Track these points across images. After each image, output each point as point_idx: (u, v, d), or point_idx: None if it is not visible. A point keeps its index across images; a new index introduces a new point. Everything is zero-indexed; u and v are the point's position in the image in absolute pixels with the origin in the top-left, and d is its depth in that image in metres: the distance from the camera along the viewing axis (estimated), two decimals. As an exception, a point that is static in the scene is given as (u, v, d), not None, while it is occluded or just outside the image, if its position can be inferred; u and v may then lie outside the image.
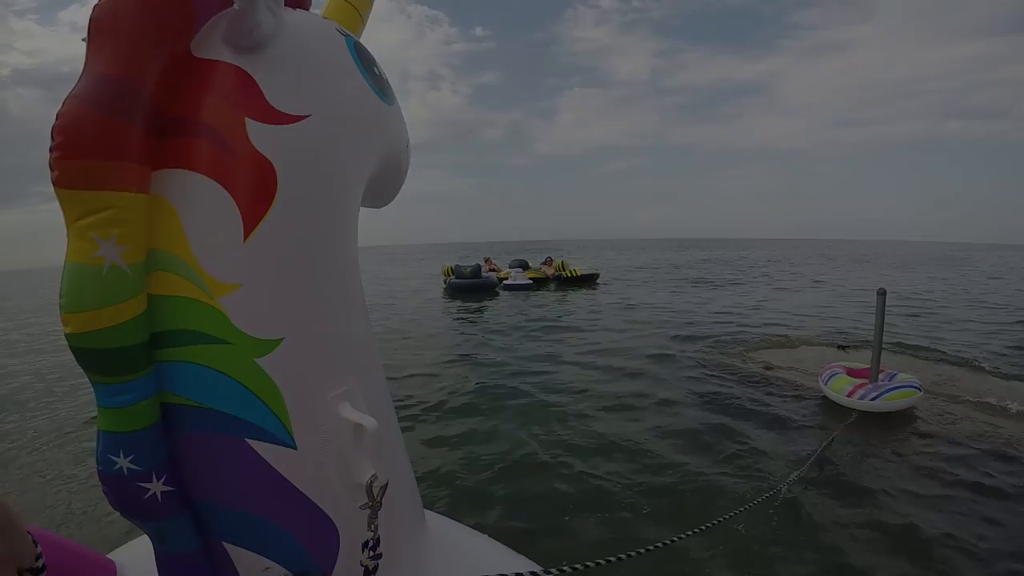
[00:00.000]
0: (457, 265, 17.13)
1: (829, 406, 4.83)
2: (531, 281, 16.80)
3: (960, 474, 3.49)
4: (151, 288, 0.88)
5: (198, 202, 0.89)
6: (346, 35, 1.12)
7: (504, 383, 5.92)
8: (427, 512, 1.53)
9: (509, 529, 2.86)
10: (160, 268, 0.88)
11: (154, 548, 0.98)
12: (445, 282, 16.98)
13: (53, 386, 6.77)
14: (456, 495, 3.36)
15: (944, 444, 3.97)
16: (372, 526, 1.00)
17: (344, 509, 1.01)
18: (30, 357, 9.05)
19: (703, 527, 1.94)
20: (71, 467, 4.05)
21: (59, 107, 0.80)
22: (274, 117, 0.92)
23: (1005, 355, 6.83)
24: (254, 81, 0.91)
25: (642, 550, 1.59)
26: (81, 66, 0.83)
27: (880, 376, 4.82)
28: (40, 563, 0.60)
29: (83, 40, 0.90)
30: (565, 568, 1.23)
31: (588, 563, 1.34)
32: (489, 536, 1.68)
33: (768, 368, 6.16)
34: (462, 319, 11.08)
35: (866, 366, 4.94)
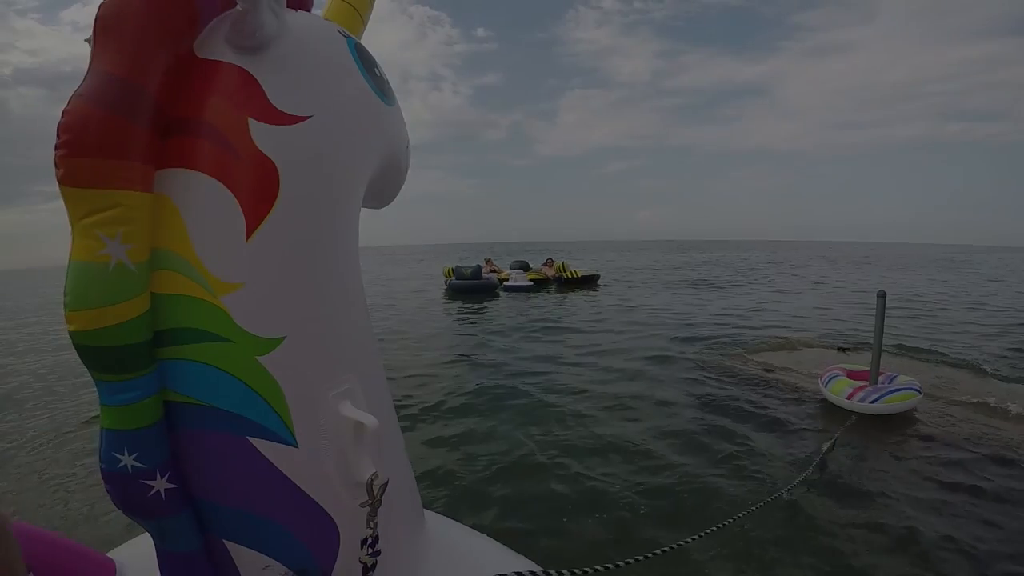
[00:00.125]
0: (458, 266, 17.14)
1: (829, 408, 4.83)
2: (531, 282, 16.81)
3: (960, 477, 3.49)
4: (154, 287, 0.88)
5: (201, 201, 0.89)
6: (347, 37, 1.12)
7: (503, 383, 5.92)
8: (426, 512, 1.53)
9: (507, 529, 2.87)
10: (163, 267, 0.88)
11: (155, 546, 0.99)
12: (446, 283, 16.99)
13: (53, 385, 6.77)
14: (455, 495, 3.36)
15: (944, 446, 3.97)
16: (371, 523, 1.00)
17: (344, 507, 1.02)
18: (29, 357, 9.05)
19: (712, 529, 1.94)
20: (69, 467, 4.05)
21: (64, 105, 0.80)
22: (277, 118, 0.93)
23: (1005, 357, 6.83)
24: (257, 82, 0.92)
25: (649, 554, 1.59)
26: (83, 65, 0.83)
27: (880, 378, 4.82)
28: None
29: (86, 41, 0.90)
30: (568, 571, 1.23)
31: (595, 567, 1.34)
32: (488, 536, 1.68)
33: (768, 370, 6.16)
34: (462, 320, 11.08)
35: (866, 368, 4.94)
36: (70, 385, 6.66)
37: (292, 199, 0.94)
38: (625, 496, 3.28)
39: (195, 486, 0.94)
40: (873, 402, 4.54)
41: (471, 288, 15.71)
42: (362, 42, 1.21)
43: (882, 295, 4.75)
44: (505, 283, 16.78)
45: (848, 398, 4.66)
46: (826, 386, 4.95)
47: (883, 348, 4.90)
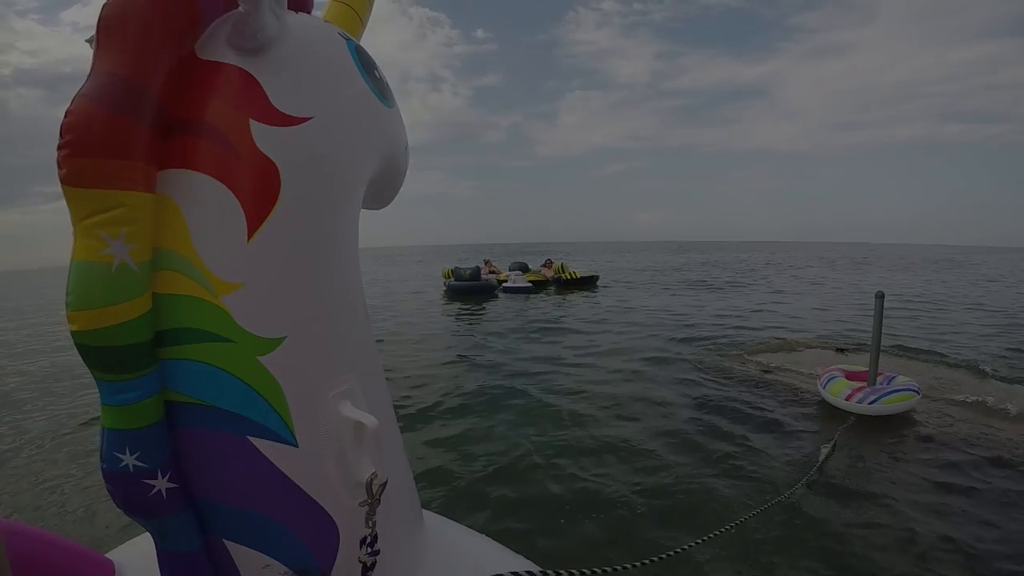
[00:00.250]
0: (456, 268, 17.16)
1: (827, 409, 4.84)
2: (530, 284, 16.82)
3: (958, 478, 3.50)
4: (156, 287, 0.89)
5: (203, 202, 0.90)
6: (347, 39, 1.13)
7: (501, 384, 5.93)
8: (425, 512, 1.53)
9: (505, 529, 2.87)
10: (165, 267, 0.89)
11: (156, 546, 0.99)
12: (445, 284, 17.00)
13: (51, 387, 6.76)
14: (453, 495, 3.37)
15: (943, 447, 3.98)
16: (370, 523, 1.01)
17: (344, 506, 1.02)
18: (28, 358, 9.04)
19: (717, 532, 1.94)
20: (67, 468, 4.05)
21: (67, 105, 0.81)
22: (278, 119, 0.93)
23: (1004, 357, 6.85)
24: (258, 83, 0.93)
25: (653, 559, 1.59)
26: (82, 66, 0.84)
27: (879, 379, 4.83)
28: None
29: (87, 41, 0.91)
30: (567, 572, 1.23)
31: (593, 568, 1.35)
32: (486, 536, 1.69)
33: (766, 371, 6.17)
34: (461, 321, 11.09)
35: (865, 369, 4.95)
36: (68, 387, 6.65)
37: (293, 200, 0.95)
38: (623, 496, 3.28)
39: (196, 486, 0.95)
40: (871, 403, 4.55)
41: (470, 289, 15.72)
42: (361, 44, 1.21)
43: (880, 296, 4.76)
44: (504, 284, 16.79)
45: (846, 399, 4.67)
46: (824, 387, 4.96)
47: (882, 349, 4.91)
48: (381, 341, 8.19)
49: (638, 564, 1.55)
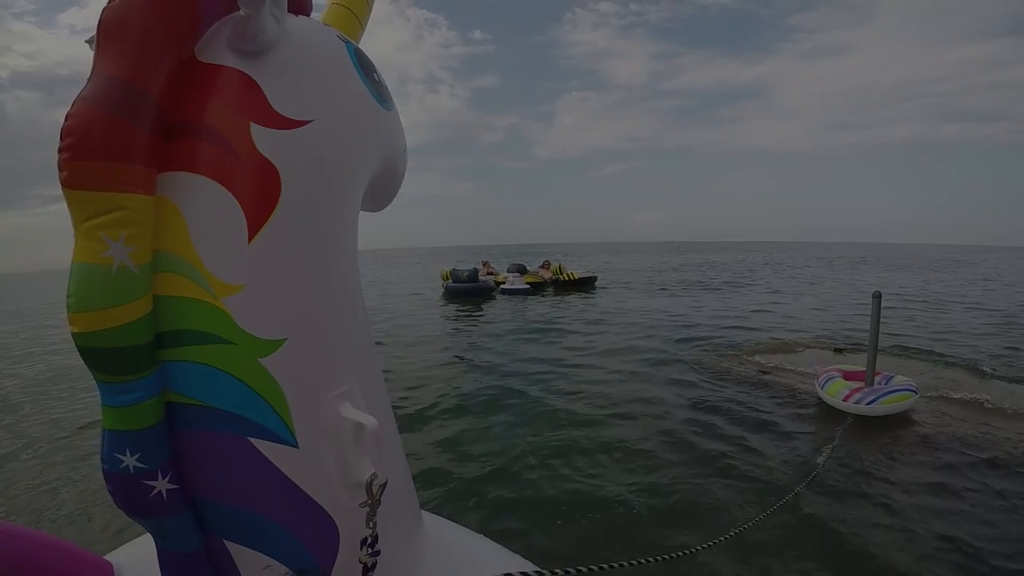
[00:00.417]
0: (454, 269, 17.17)
1: (825, 409, 4.85)
2: (528, 286, 16.83)
3: (957, 477, 3.51)
4: (156, 289, 0.89)
5: (203, 205, 0.90)
6: (347, 42, 1.14)
7: (499, 384, 5.94)
8: (423, 512, 1.54)
9: (503, 529, 2.88)
10: (165, 269, 0.89)
11: (156, 546, 0.99)
12: (444, 286, 17.01)
13: (49, 390, 6.75)
14: (450, 495, 3.37)
15: (941, 447, 4.00)
16: (371, 523, 1.01)
17: (344, 507, 1.02)
18: (26, 361, 9.02)
19: (723, 538, 1.95)
20: (63, 471, 4.06)
21: (66, 108, 0.81)
22: (278, 122, 0.94)
23: (1002, 356, 6.88)
24: (258, 86, 0.93)
25: (655, 558, 1.60)
26: (80, 69, 0.84)
27: (877, 379, 4.84)
28: None
29: (87, 42, 0.91)
30: (570, 569, 1.24)
31: (589, 566, 1.35)
32: (484, 536, 1.69)
33: (764, 371, 6.18)
34: (459, 323, 11.09)
35: (863, 369, 4.96)
36: (66, 390, 6.64)
37: (293, 202, 0.95)
38: (620, 496, 3.29)
39: (196, 486, 0.95)
40: (869, 404, 4.57)
41: (468, 291, 15.72)
42: (360, 45, 1.22)
43: (877, 296, 4.78)
44: (502, 286, 16.80)
45: (844, 400, 4.68)
46: (822, 388, 4.97)
47: (880, 348, 4.92)
48: (379, 342, 8.19)
49: (637, 562, 1.56)
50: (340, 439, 1.01)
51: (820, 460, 3.68)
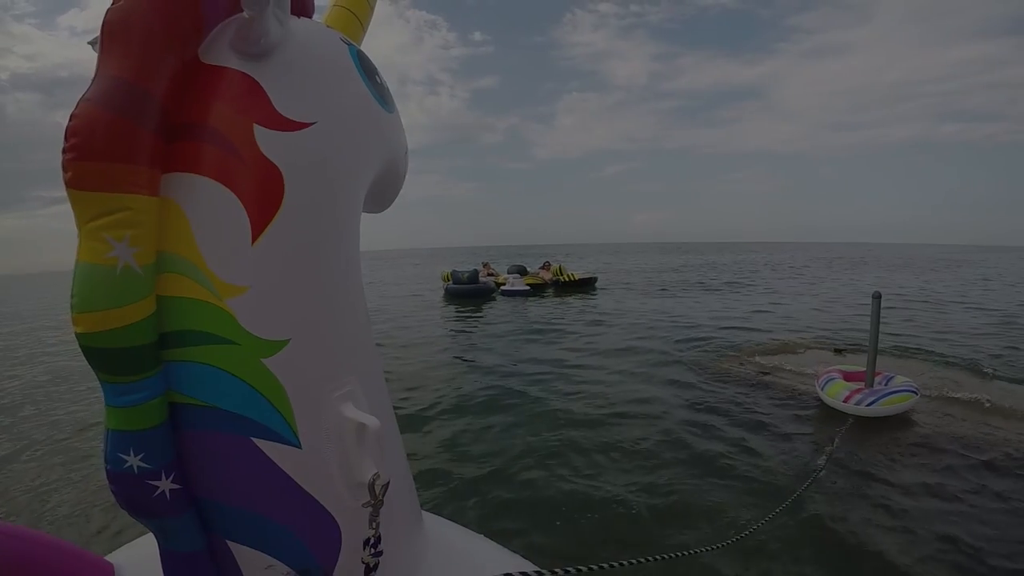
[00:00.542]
0: (455, 271, 17.18)
1: (826, 410, 4.85)
2: (528, 287, 16.83)
3: (958, 478, 3.51)
4: (160, 290, 0.89)
5: (207, 206, 0.90)
6: (349, 44, 1.14)
7: (499, 385, 5.95)
8: (424, 512, 1.54)
9: (502, 529, 2.88)
10: (169, 270, 0.89)
11: (159, 546, 0.99)
12: (444, 287, 17.01)
13: (48, 392, 6.75)
14: (450, 495, 3.38)
15: (942, 447, 4.00)
16: (374, 524, 1.01)
17: (346, 507, 1.03)
18: (26, 362, 9.02)
19: (727, 543, 1.95)
20: (62, 472, 4.06)
21: (65, 110, 0.81)
22: (282, 124, 0.94)
23: (1001, 356, 6.88)
24: (262, 88, 0.93)
25: (655, 558, 1.60)
26: (80, 70, 0.84)
27: (877, 379, 4.84)
28: None
29: (89, 43, 0.92)
30: (570, 569, 1.24)
31: (588, 566, 1.35)
32: (484, 536, 1.69)
33: (764, 372, 6.18)
34: (459, 324, 11.10)
35: (863, 369, 4.96)
36: (65, 392, 6.65)
37: (296, 204, 0.95)
38: (619, 496, 3.30)
39: (199, 486, 0.95)
40: (870, 405, 4.56)
41: (468, 292, 15.73)
42: (360, 47, 1.23)
43: (877, 296, 4.78)
44: (502, 288, 16.80)
45: (844, 401, 4.68)
46: (822, 389, 4.97)
47: (880, 348, 4.92)
48: (379, 343, 8.20)
49: (637, 562, 1.56)
50: (343, 439, 1.01)
51: (820, 461, 3.68)
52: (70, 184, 0.80)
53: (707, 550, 1.86)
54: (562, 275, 18.06)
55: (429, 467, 3.78)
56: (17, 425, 5.43)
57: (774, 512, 2.69)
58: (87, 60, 0.86)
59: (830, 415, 4.71)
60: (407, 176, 1.42)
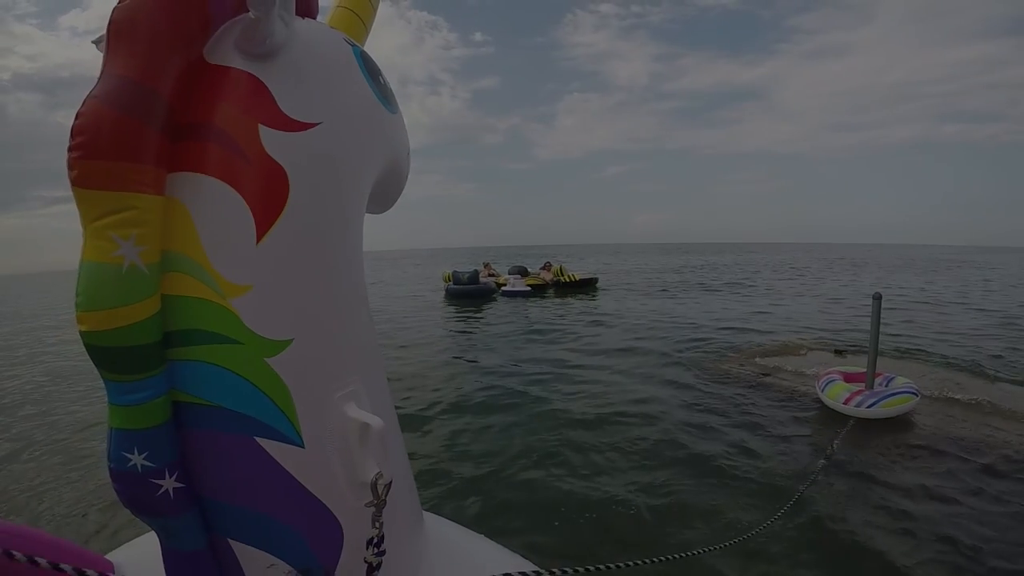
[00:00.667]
0: (455, 271, 17.18)
1: (826, 411, 4.84)
2: (529, 288, 16.82)
3: (959, 480, 3.51)
4: (164, 288, 0.89)
5: (212, 205, 0.91)
6: (353, 45, 1.15)
7: (499, 385, 5.95)
8: (424, 512, 1.54)
9: (501, 528, 2.88)
10: (174, 269, 0.89)
11: (161, 544, 1.00)
12: (445, 288, 17.03)
13: (48, 392, 6.75)
14: (450, 494, 3.38)
15: (942, 449, 3.99)
16: (377, 523, 1.01)
17: (349, 507, 1.03)
18: (26, 362, 9.02)
19: (727, 544, 1.95)
20: (62, 471, 4.07)
21: (67, 110, 0.81)
22: (287, 124, 0.94)
23: (1002, 357, 6.88)
24: (267, 88, 0.94)
25: (655, 559, 1.60)
26: (81, 71, 0.85)
27: (877, 380, 4.83)
28: None
29: (94, 43, 0.92)
30: (567, 570, 1.24)
31: (595, 566, 1.35)
32: (484, 536, 1.69)
33: (765, 373, 6.18)
34: (459, 324, 11.10)
35: (864, 370, 4.96)
36: (64, 392, 6.65)
37: (301, 204, 0.96)
38: (618, 496, 3.30)
39: (202, 485, 0.95)
40: (870, 407, 4.56)
41: (469, 293, 15.74)
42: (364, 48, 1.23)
43: (878, 297, 4.77)
44: (503, 288, 16.80)
45: (845, 403, 4.67)
46: (823, 390, 4.96)
47: (881, 350, 4.92)
48: (380, 344, 8.21)
49: (637, 563, 1.56)
50: (346, 439, 1.01)
51: (820, 463, 3.68)
52: (76, 182, 0.80)
53: (707, 551, 1.86)
54: (563, 276, 18.06)
55: (429, 466, 3.79)
56: (16, 425, 5.43)
57: (776, 515, 2.69)
58: (88, 60, 0.87)
59: (830, 417, 4.71)
60: (408, 176, 1.42)
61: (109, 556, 1.31)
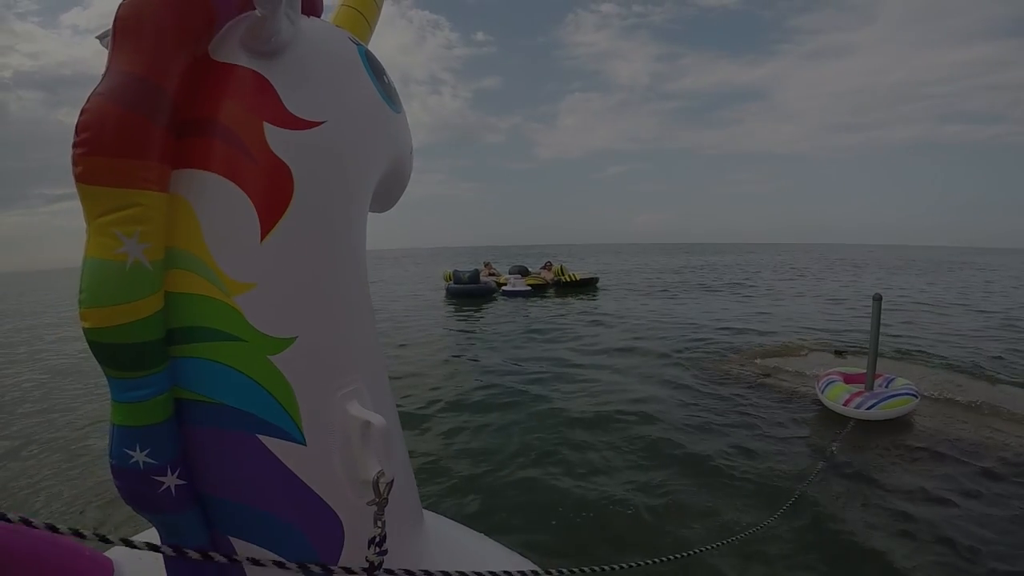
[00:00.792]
0: (456, 271, 17.18)
1: (826, 412, 4.84)
2: (529, 287, 16.81)
3: (959, 482, 3.50)
4: (168, 286, 0.89)
5: (216, 203, 0.91)
6: (358, 44, 1.15)
7: (498, 384, 5.95)
8: (424, 511, 1.54)
9: (500, 528, 2.88)
10: (178, 266, 0.89)
11: (162, 542, 1.00)
12: (446, 287, 17.03)
13: (47, 390, 6.75)
14: (448, 493, 3.39)
15: (942, 451, 3.98)
16: (379, 522, 1.01)
17: (350, 504, 1.03)
18: (25, 360, 9.02)
19: (725, 542, 1.95)
20: (60, 469, 4.07)
21: (71, 108, 0.81)
22: (292, 122, 0.94)
23: (1002, 358, 6.88)
24: (272, 86, 0.94)
25: (656, 560, 1.60)
26: (83, 69, 0.85)
27: (877, 381, 4.82)
28: None
29: (98, 38, 0.92)
30: (563, 570, 1.24)
31: (595, 566, 1.35)
32: (484, 534, 1.70)
33: (765, 374, 6.18)
34: (460, 323, 11.10)
35: (864, 371, 4.95)
36: (64, 390, 6.65)
37: (305, 202, 0.96)
38: (617, 496, 3.30)
39: (204, 482, 0.95)
40: (870, 408, 4.55)
41: (469, 292, 15.74)
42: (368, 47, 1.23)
43: (878, 298, 4.76)
44: (503, 288, 16.79)
45: (844, 404, 4.66)
46: (823, 392, 4.95)
47: (881, 351, 4.91)
48: (381, 343, 8.21)
49: (636, 564, 1.56)
50: (348, 437, 1.01)
51: (820, 464, 3.68)
52: (80, 179, 0.80)
53: (704, 550, 1.86)
54: (563, 275, 18.05)
55: (428, 464, 3.79)
56: (16, 422, 5.43)
57: (774, 516, 2.69)
58: (90, 58, 0.87)
59: (830, 418, 4.70)
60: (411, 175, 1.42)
61: (109, 554, 1.31)
